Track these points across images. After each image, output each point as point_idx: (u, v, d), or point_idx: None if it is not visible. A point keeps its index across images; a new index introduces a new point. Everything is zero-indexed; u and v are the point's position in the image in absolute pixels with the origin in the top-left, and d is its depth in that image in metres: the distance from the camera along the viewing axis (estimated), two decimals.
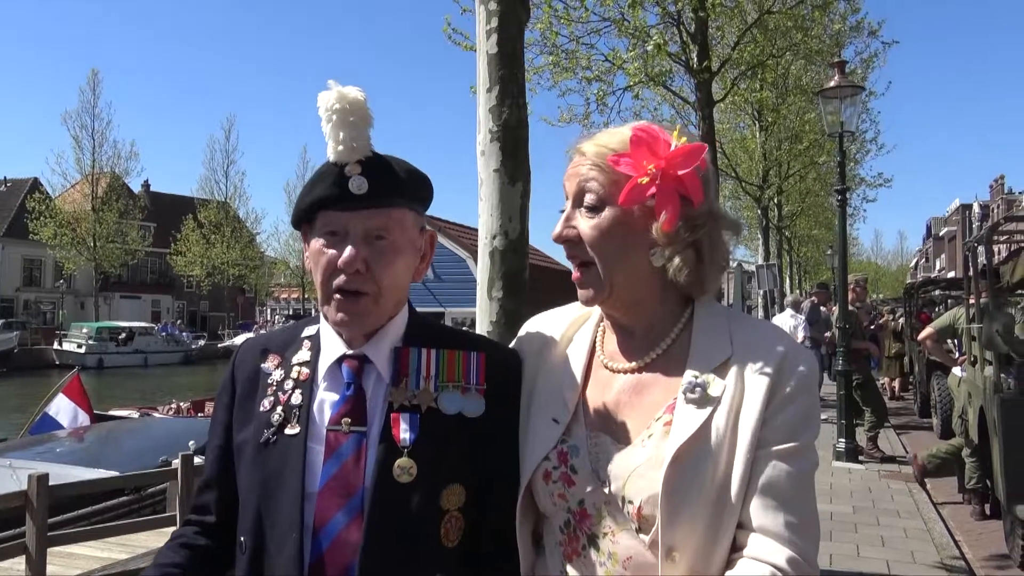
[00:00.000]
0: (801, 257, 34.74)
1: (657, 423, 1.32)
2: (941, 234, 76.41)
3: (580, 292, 1.43)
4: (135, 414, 16.24)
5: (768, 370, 1.29)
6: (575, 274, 1.42)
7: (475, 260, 3.82)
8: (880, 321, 15.28)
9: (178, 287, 63.82)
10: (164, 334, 50.55)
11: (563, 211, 1.43)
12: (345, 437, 1.40)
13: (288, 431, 1.43)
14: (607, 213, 1.37)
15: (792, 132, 19.44)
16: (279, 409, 1.46)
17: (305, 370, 1.50)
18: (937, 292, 18.06)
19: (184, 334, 53.94)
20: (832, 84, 10.10)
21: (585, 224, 1.38)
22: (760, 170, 20.03)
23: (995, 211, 56.30)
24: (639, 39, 9.39)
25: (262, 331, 54.31)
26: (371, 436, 1.41)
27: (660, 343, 1.40)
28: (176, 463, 6.52)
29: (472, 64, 3.77)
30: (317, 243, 1.45)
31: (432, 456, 1.40)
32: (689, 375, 1.32)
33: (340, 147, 1.42)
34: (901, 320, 17.88)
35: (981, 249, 7.41)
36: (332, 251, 1.43)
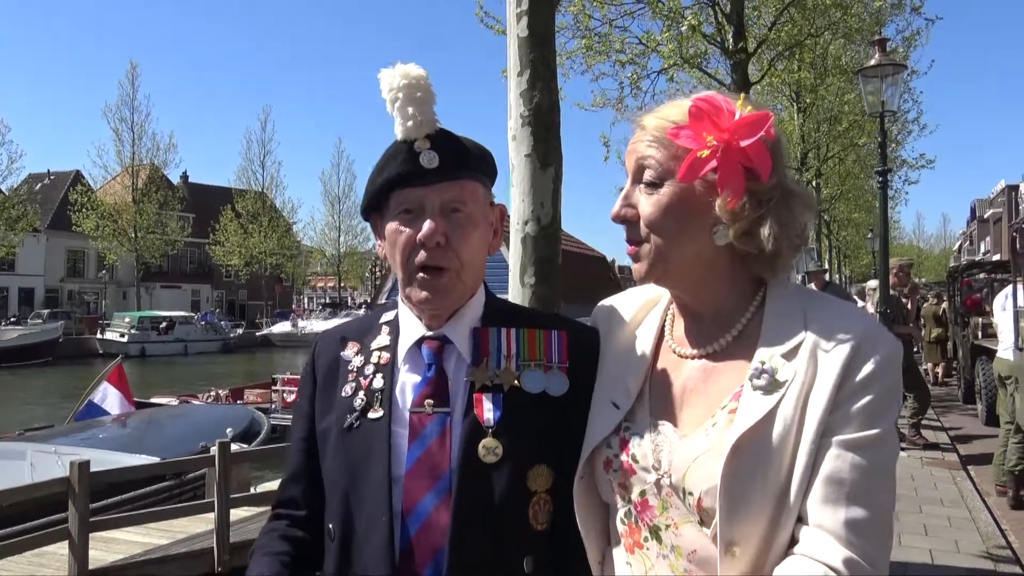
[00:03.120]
0: (840, 241, 34.15)
1: (722, 411, 1.25)
2: (986, 216, 74.60)
3: (634, 267, 1.36)
4: (175, 401, 16.52)
5: (842, 353, 1.19)
6: (629, 248, 1.36)
7: (507, 246, 3.78)
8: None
9: (217, 276, 64.77)
10: (204, 323, 51.34)
11: (622, 188, 1.37)
12: (429, 418, 1.39)
13: (371, 415, 1.42)
14: (666, 189, 1.29)
15: (831, 113, 19.04)
16: (361, 394, 1.45)
17: (385, 354, 1.49)
18: (982, 275, 17.65)
19: (223, 323, 54.73)
20: (873, 63, 9.86)
21: (644, 202, 1.31)
22: (798, 153, 19.68)
23: None
24: (673, 20, 9.24)
25: (299, 319, 55.25)
26: (455, 417, 1.39)
27: (731, 328, 1.32)
28: (214, 450, 6.60)
29: (504, 48, 3.72)
30: (393, 224, 1.44)
31: (517, 435, 1.37)
32: (757, 360, 1.23)
33: (409, 123, 1.42)
34: (944, 304, 17.49)
35: None
36: (409, 229, 1.41)
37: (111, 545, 6.62)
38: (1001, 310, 7.98)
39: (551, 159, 3.52)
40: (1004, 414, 7.57)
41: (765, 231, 1.27)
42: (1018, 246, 7.57)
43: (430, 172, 1.40)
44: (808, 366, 1.20)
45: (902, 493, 7.28)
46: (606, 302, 1.58)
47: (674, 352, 1.38)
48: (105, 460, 7.78)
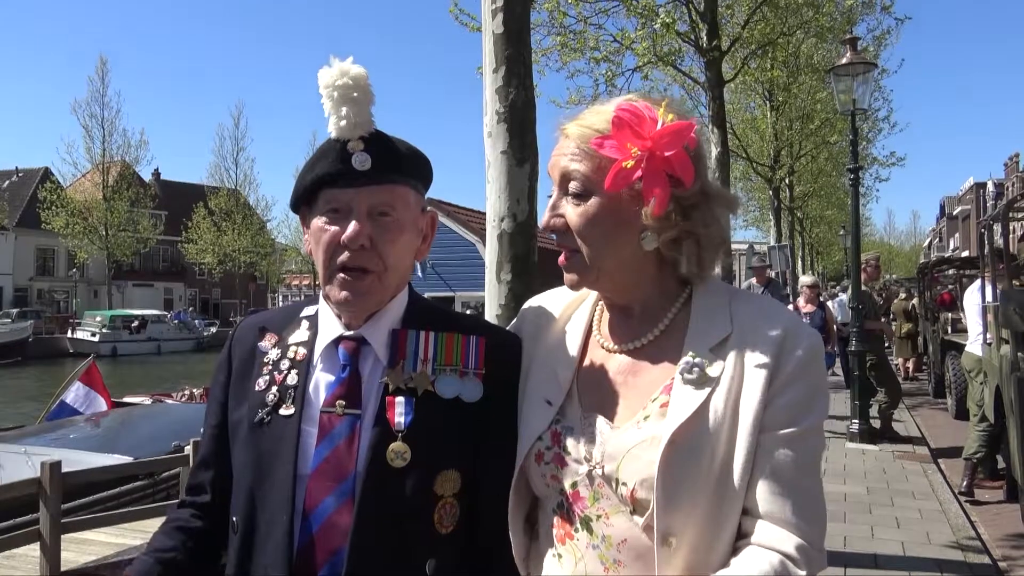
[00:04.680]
0: (813, 238, 34.54)
1: (654, 404, 1.28)
2: (955, 213, 75.72)
3: (566, 277, 1.39)
4: (148, 401, 16.34)
5: (769, 349, 1.24)
6: (561, 258, 1.38)
7: (483, 243, 3.78)
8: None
9: (190, 275, 64.10)
10: (176, 322, 50.82)
11: (550, 196, 1.39)
12: (339, 420, 1.39)
13: (283, 411, 1.42)
14: (593, 200, 1.31)
15: (803, 112, 19.29)
16: (274, 389, 1.44)
17: (302, 350, 1.48)
18: (951, 271, 17.93)
19: (196, 321, 54.19)
20: (844, 61, 9.96)
21: (572, 212, 1.33)
22: (771, 151, 19.89)
23: (1009, 189, 55.77)
24: (647, 18, 9.29)
25: None
26: (365, 419, 1.39)
27: (658, 323, 1.36)
28: (188, 449, 6.54)
29: (480, 45, 3.73)
30: (319, 221, 1.43)
31: (427, 440, 1.37)
32: (687, 355, 1.27)
33: (343, 122, 1.40)
34: (914, 300, 17.73)
35: (997, 227, 7.32)
36: (335, 228, 1.40)
37: (83, 546, 6.53)
38: (973, 305, 8.11)
39: (527, 156, 3.54)
40: (973, 407, 7.69)
41: (690, 235, 1.31)
42: (986, 242, 7.69)
43: (361, 174, 1.39)
44: (736, 361, 1.25)
45: (875, 486, 7.39)
46: (533, 301, 1.59)
47: (602, 347, 1.41)
48: (77, 460, 7.66)
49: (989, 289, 7.18)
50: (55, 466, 5.50)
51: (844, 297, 12.28)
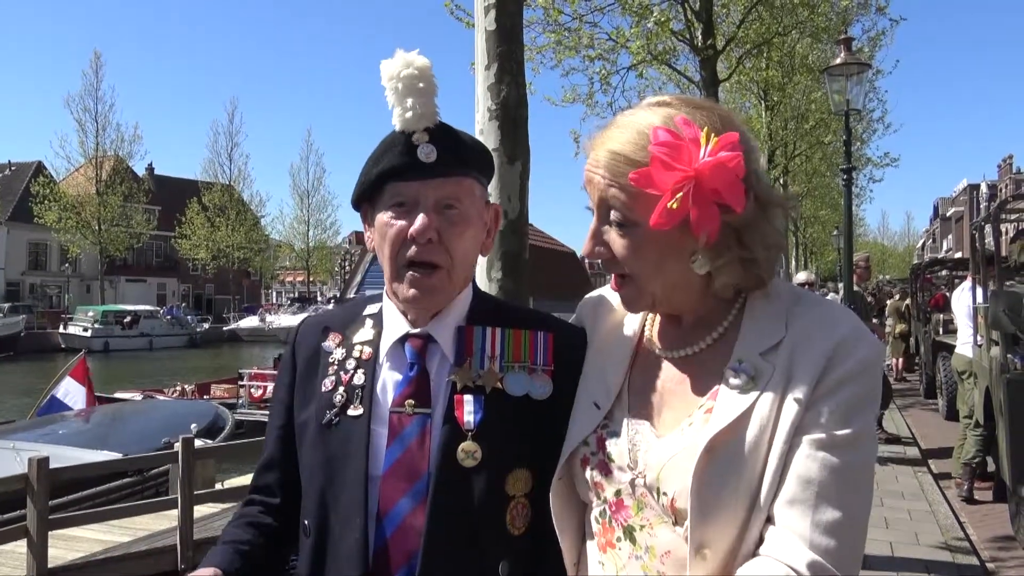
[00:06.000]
0: (807, 238, 34.57)
1: (699, 411, 1.22)
2: (948, 214, 76.04)
3: (622, 300, 1.35)
4: (139, 397, 16.31)
5: (821, 354, 1.15)
6: (613, 283, 1.34)
7: None
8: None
9: (183, 270, 63.93)
10: (169, 317, 50.69)
11: (588, 207, 1.31)
12: (409, 419, 1.37)
13: (351, 412, 1.39)
14: (638, 230, 1.24)
15: (798, 112, 19.28)
16: (341, 389, 1.42)
17: (368, 349, 1.46)
18: (944, 272, 18.00)
19: (189, 317, 54.08)
20: (838, 61, 9.96)
21: (617, 242, 1.27)
22: (766, 150, 19.88)
23: (1003, 191, 56.00)
24: (642, 17, 9.28)
25: (267, 314, 54.79)
26: (435, 418, 1.37)
27: (712, 331, 1.29)
28: (177, 446, 6.52)
29: (472, 40, 3.71)
30: (384, 216, 1.40)
31: (498, 440, 1.35)
32: (735, 359, 1.21)
33: (408, 114, 1.37)
34: (907, 300, 17.79)
35: (988, 228, 7.33)
36: (401, 222, 1.37)
37: (71, 543, 6.50)
38: (961, 306, 8.11)
39: (519, 153, 3.52)
40: (964, 409, 7.71)
41: (746, 254, 1.24)
42: (978, 244, 7.70)
43: (427, 166, 1.37)
44: (786, 366, 1.17)
45: None
46: (593, 295, 1.54)
47: (654, 352, 1.36)
48: (65, 456, 7.63)
49: (980, 291, 7.20)
50: (43, 462, 5.49)
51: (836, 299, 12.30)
